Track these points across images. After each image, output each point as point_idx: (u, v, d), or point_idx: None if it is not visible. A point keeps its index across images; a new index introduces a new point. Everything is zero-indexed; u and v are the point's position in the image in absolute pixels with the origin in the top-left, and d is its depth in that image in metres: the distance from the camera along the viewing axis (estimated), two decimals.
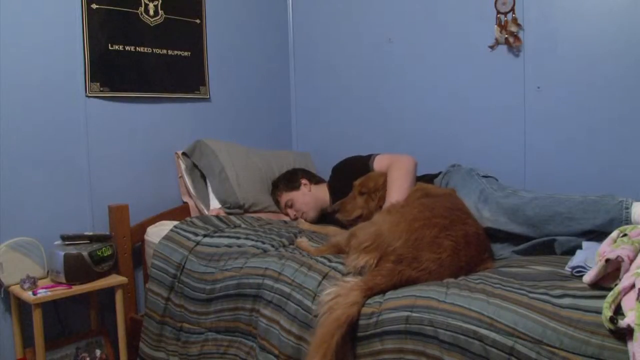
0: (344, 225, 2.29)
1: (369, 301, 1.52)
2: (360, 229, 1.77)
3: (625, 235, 1.48)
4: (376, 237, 1.65)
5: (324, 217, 2.55)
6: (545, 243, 1.84)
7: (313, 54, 3.20)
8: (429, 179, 2.28)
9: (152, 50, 2.54)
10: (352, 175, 2.32)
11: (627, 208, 1.72)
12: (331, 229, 2.28)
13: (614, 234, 1.51)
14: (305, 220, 2.49)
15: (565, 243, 1.80)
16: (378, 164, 2.31)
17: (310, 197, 2.53)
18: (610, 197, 1.78)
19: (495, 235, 1.95)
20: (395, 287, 1.55)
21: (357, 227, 1.82)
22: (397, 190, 2.11)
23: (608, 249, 1.43)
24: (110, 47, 2.38)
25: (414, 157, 2.24)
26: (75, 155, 2.29)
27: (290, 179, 2.58)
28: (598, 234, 1.75)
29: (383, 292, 1.54)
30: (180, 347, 1.99)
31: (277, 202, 2.61)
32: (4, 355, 2.11)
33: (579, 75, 2.33)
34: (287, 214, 2.58)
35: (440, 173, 2.29)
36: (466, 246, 1.67)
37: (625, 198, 1.75)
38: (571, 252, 1.77)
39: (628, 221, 1.70)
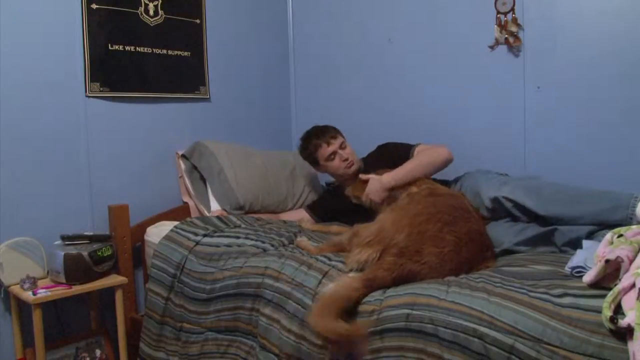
0: (346, 223, 2.30)
1: (369, 299, 1.52)
2: (364, 227, 1.78)
3: (621, 235, 1.48)
4: (379, 232, 1.66)
5: (327, 216, 2.55)
6: (546, 234, 1.87)
7: (313, 54, 3.20)
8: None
9: (152, 50, 2.54)
10: (389, 156, 2.38)
11: (636, 197, 1.77)
12: (334, 228, 2.28)
13: (609, 235, 1.52)
14: (349, 170, 2.44)
15: (567, 233, 1.83)
16: (417, 152, 2.37)
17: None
18: (621, 192, 1.85)
19: (508, 210, 2.02)
20: (396, 280, 1.55)
21: (359, 226, 1.83)
22: (405, 170, 2.17)
23: (607, 249, 1.43)
24: (110, 47, 2.38)
25: (449, 152, 2.25)
26: (75, 155, 2.29)
27: (337, 129, 2.54)
28: (599, 228, 1.78)
29: (385, 286, 1.55)
30: (181, 347, 1.99)
31: (317, 148, 2.46)
32: (4, 355, 2.11)
33: (579, 75, 2.33)
34: (330, 161, 2.45)
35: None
36: (469, 242, 1.68)
37: (639, 193, 1.81)
38: (571, 244, 1.79)
39: (633, 212, 1.75)
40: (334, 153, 2.45)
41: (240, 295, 1.83)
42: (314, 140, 2.49)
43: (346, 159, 2.45)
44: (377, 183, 2.17)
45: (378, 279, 1.54)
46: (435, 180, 2.26)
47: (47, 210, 2.20)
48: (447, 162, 2.26)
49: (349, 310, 1.51)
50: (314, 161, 2.54)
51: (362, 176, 2.25)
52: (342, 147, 2.47)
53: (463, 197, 2.01)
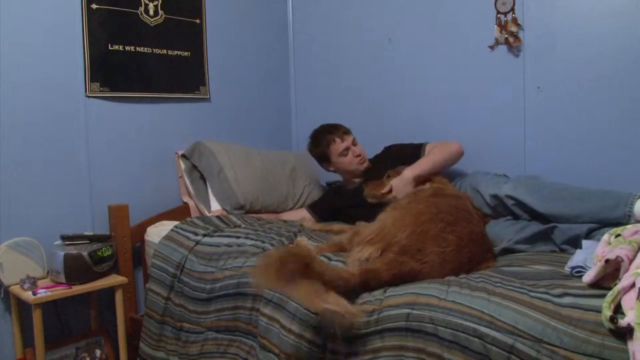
0: (347, 223, 2.30)
1: (369, 298, 1.52)
2: (364, 227, 1.78)
3: (619, 235, 1.48)
4: (381, 230, 1.66)
5: (327, 215, 2.55)
6: (546, 232, 1.88)
7: (313, 54, 3.20)
8: None
9: (152, 50, 2.54)
10: (397, 157, 2.41)
11: (635, 195, 1.79)
12: (336, 227, 2.27)
13: (606, 236, 1.52)
14: (361, 167, 2.47)
15: (566, 231, 1.84)
16: (427, 149, 2.39)
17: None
18: (620, 190, 1.87)
19: (509, 207, 2.04)
20: (396, 278, 1.55)
21: (360, 225, 1.83)
22: (424, 162, 2.22)
23: (606, 249, 1.43)
24: (110, 47, 2.38)
25: (460, 145, 2.31)
26: (75, 155, 2.29)
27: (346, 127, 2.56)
28: (598, 227, 1.79)
29: (383, 281, 1.54)
30: (181, 347, 1.99)
31: (330, 143, 2.47)
32: (4, 355, 2.11)
33: (579, 75, 2.33)
34: (343, 156, 2.46)
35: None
36: (470, 243, 1.68)
37: (638, 192, 1.82)
38: (570, 242, 1.80)
39: (631, 209, 1.77)
40: (347, 149, 2.46)
41: (240, 295, 1.83)
42: (327, 135, 2.49)
43: (359, 155, 2.47)
44: (399, 181, 2.19)
45: (376, 271, 1.54)
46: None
47: (47, 210, 2.20)
48: (459, 156, 2.32)
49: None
50: (325, 158, 2.52)
51: (383, 191, 2.22)
52: (354, 143, 2.49)
53: (467, 199, 2.01)
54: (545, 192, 1.97)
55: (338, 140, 2.46)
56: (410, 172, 2.19)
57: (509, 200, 2.03)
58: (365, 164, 2.48)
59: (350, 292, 1.49)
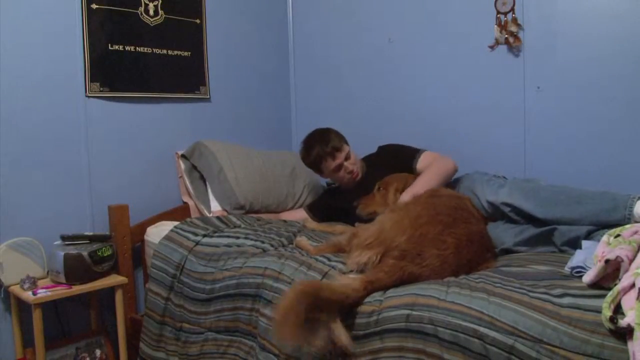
0: (346, 223, 2.30)
1: (369, 299, 1.52)
2: (363, 228, 1.77)
3: (618, 236, 1.48)
4: (379, 233, 1.65)
5: (326, 216, 2.55)
6: (546, 234, 1.87)
7: (313, 54, 3.20)
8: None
9: (152, 50, 2.54)
10: (392, 158, 2.39)
11: (633, 197, 1.77)
12: (339, 228, 2.27)
13: (605, 237, 1.52)
14: (353, 181, 2.41)
15: (566, 233, 1.83)
16: (423, 159, 2.34)
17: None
18: (618, 192, 1.85)
19: (506, 213, 2.02)
20: (397, 283, 1.55)
21: (359, 227, 1.82)
22: (421, 183, 2.16)
23: (606, 249, 1.43)
24: (110, 47, 2.38)
25: (454, 162, 2.28)
26: (75, 155, 2.30)
27: (340, 135, 2.45)
28: (598, 228, 1.78)
29: (386, 288, 1.54)
30: (180, 347, 1.99)
31: (323, 157, 2.37)
32: (4, 355, 2.11)
33: (579, 75, 2.33)
34: (335, 172, 2.40)
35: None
36: (469, 244, 1.67)
37: (636, 194, 1.80)
38: (570, 244, 1.79)
39: (631, 212, 1.75)
40: (340, 165, 2.39)
41: (240, 296, 1.83)
42: (319, 150, 2.38)
43: (351, 171, 2.40)
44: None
45: (379, 281, 1.54)
46: None
47: (47, 211, 2.20)
48: (454, 173, 2.29)
49: (347, 310, 1.50)
50: (317, 170, 2.48)
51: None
52: (347, 158, 2.39)
53: (467, 199, 2.00)
54: (542, 196, 1.95)
55: (329, 159, 2.36)
56: (408, 196, 2.12)
57: (506, 207, 2.01)
58: (359, 178, 2.42)
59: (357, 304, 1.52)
